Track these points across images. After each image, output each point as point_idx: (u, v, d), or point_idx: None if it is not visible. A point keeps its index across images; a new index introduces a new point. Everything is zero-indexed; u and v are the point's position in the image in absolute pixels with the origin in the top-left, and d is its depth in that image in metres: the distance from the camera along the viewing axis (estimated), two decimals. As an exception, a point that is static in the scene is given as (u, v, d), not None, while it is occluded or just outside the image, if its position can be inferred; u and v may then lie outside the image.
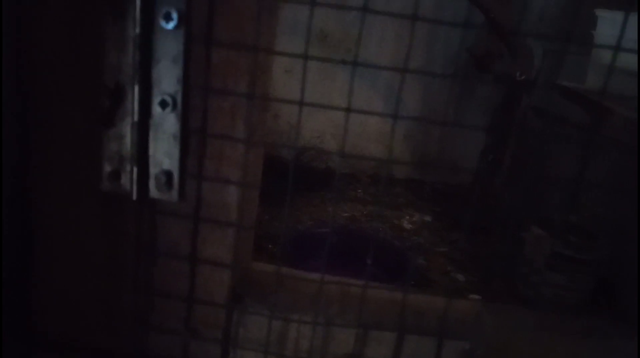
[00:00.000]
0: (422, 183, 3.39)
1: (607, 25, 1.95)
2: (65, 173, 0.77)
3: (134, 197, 0.68)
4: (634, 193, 2.20)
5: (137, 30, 0.63)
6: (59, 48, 0.72)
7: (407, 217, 2.94)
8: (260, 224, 2.59)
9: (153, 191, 0.69)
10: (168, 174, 0.69)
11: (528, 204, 3.10)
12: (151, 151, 0.68)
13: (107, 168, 0.68)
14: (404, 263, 1.99)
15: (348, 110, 0.77)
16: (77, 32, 0.72)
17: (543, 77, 3.15)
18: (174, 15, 0.63)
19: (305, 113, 3.00)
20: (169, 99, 0.67)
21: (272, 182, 2.98)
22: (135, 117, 0.66)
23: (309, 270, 1.87)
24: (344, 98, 3.33)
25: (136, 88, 0.65)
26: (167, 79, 0.66)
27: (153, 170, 0.69)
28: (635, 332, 1.12)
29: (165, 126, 0.68)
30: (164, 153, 0.68)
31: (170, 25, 0.64)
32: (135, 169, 0.68)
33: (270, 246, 2.33)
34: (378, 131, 3.45)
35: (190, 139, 0.75)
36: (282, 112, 3.39)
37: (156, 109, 0.67)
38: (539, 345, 0.92)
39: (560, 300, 2.22)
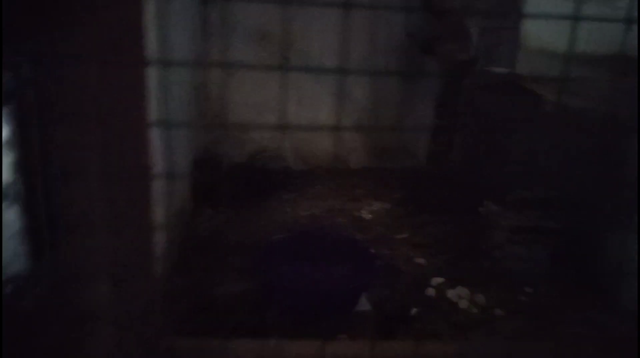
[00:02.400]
0: (378, 171, 3.40)
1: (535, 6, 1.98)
2: None
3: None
4: (582, 163, 2.26)
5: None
6: None
7: (367, 207, 2.95)
8: (221, 235, 2.55)
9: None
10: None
11: (483, 181, 3.16)
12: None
13: None
14: (367, 259, 1.99)
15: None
16: None
17: (482, 55, 3.20)
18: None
19: (254, 115, 2.98)
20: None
21: (227, 190, 2.94)
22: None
23: (275, 281, 1.85)
24: (291, 96, 3.30)
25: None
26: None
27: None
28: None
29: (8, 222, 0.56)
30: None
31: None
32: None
33: (233, 257, 2.29)
34: (330, 124, 3.43)
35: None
36: (230, 116, 3.33)
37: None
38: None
39: (523, 272, 2.27)
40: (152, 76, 1.80)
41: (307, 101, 3.37)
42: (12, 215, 0.62)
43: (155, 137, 1.85)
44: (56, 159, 0.60)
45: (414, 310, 2.00)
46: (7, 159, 0.61)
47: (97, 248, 0.64)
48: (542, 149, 2.56)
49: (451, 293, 2.14)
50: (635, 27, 1.15)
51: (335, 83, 3.37)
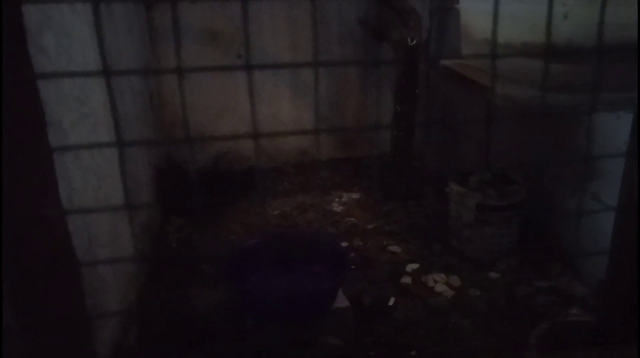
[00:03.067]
0: (344, 162, 3.40)
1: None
2: None
3: None
4: (536, 138, 2.31)
5: None
6: None
7: (337, 199, 2.95)
8: (192, 244, 2.51)
9: None
10: None
11: (446, 162, 3.20)
12: None
13: None
14: (341, 254, 1.99)
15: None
16: None
17: (433, 37, 3.22)
18: None
19: (214, 116, 2.94)
20: None
21: (194, 196, 2.88)
22: None
23: (249, 288, 1.82)
24: (248, 95, 3.25)
25: None
26: None
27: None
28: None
29: None
30: None
31: None
32: None
33: (205, 267, 2.26)
34: (291, 119, 3.41)
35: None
36: (189, 121, 3.26)
37: None
38: None
39: (493, 248, 2.32)
40: (100, 88, 1.74)
41: (266, 96, 3.33)
42: None
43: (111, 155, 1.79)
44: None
45: (392, 300, 2.01)
46: None
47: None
48: (496, 133, 2.60)
49: (426, 278, 2.17)
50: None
51: (293, 77, 3.34)
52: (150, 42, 3.02)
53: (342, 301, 1.84)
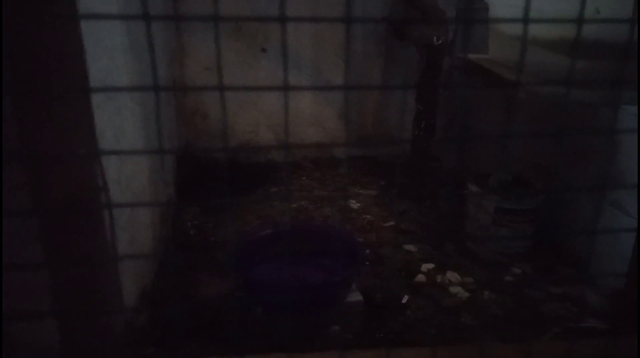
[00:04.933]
0: (363, 159, 3.40)
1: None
2: None
3: None
4: (556, 141, 2.27)
5: None
6: None
7: (354, 196, 2.95)
8: (208, 233, 2.53)
9: None
10: None
11: (465, 163, 3.17)
12: None
13: None
14: (355, 249, 1.99)
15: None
16: None
17: (459, 39, 3.19)
18: None
19: (235, 108, 2.95)
20: None
21: (210, 186, 2.92)
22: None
23: (261, 278, 1.84)
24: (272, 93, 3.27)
25: None
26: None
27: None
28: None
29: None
30: None
31: None
32: None
33: (218, 255, 2.27)
34: (312, 114, 3.41)
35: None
36: (210, 111, 3.29)
37: None
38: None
39: (508, 251, 2.30)
40: (125, 71, 1.77)
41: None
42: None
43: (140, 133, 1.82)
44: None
45: (405, 298, 2.01)
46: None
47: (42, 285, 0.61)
48: (517, 132, 2.57)
49: (441, 278, 2.15)
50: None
51: (315, 72, 3.35)
52: (177, 32, 3.05)
53: (354, 295, 1.84)
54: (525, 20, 0.61)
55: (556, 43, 1.31)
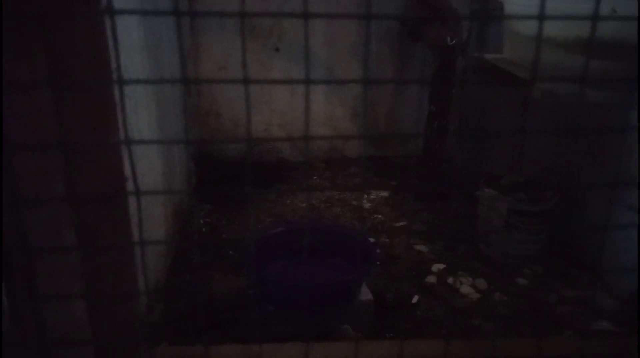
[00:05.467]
0: (375, 159, 3.40)
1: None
2: None
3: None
4: (570, 142, 2.26)
5: None
6: None
7: (365, 196, 2.95)
8: (220, 230, 2.55)
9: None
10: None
11: (478, 164, 3.16)
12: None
13: None
14: (366, 248, 2.00)
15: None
16: None
17: (473, 39, 3.17)
18: None
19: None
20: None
21: (223, 183, 2.93)
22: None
23: (272, 275, 1.86)
24: (284, 87, 3.28)
25: None
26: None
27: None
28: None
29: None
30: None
31: None
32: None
33: (230, 252, 2.29)
34: (324, 113, 3.42)
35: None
36: (223, 110, 3.31)
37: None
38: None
39: (520, 253, 2.29)
40: (142, 68, 1.79)
41: (299, 90, 3.34)
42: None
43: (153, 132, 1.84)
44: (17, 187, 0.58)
45: (415, 298, 2.01)
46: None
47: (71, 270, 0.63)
48: (530, 132, 2.56)
49: (452, 279, 2.15)
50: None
51: (328, 72, 3.35)
52: (191, 31, 3.08)
53: (365, 294, 1.85)
54: (541, 17, 0.61)
55: (573, 44, 1.31)
